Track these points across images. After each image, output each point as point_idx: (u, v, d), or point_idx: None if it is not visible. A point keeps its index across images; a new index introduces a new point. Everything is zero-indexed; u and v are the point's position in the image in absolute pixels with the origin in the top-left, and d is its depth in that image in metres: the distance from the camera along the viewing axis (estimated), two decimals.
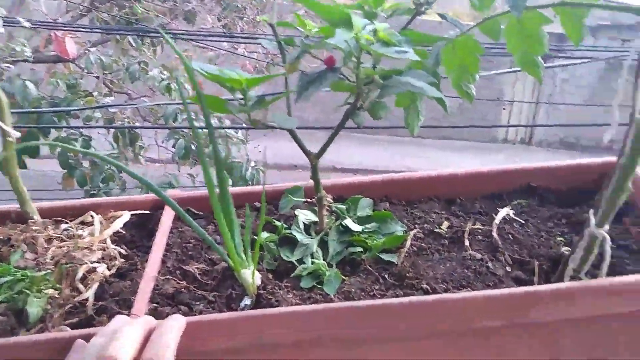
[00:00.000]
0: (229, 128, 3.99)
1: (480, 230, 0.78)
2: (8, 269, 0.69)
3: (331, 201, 0.81)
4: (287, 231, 0.76)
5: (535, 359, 0.62)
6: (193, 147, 3.87)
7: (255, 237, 0.66)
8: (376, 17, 0.57)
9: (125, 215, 0.79)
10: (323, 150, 0.66)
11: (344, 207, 0.80)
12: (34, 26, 3.85)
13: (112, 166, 3.66)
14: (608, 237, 0.62)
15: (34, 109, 3.96)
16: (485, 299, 0.60)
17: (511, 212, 0.81)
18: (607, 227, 0.62)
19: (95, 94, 4.14)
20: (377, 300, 0.63)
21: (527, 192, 0.86)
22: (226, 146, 3.69)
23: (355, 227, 0.76)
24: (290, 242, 0.76)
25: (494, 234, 0.76)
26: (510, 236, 0.77)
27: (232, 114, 0.58)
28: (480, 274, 0.70)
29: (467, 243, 0.75)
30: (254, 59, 4.83)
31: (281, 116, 0.59)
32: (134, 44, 4.60)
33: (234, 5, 5.29)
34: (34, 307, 0.63)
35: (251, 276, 0.66)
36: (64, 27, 4.27)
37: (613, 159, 0.85)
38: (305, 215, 0.78)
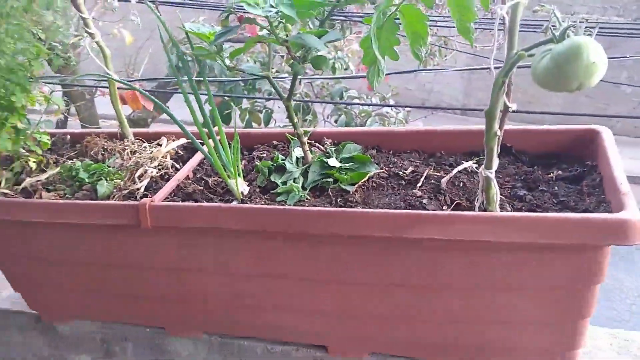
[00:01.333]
0: (389, 106, 4.23)
1: (436, 176, 0.91)
2: (102, 166, 1.04)
3: (327, 143, 1.01)
4: (282, 162, 0.99)
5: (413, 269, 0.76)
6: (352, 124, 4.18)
7: (258, 165, 0.91)
8: None
9: (180, 140, 1.10)
10: (291, 91, 0.88)
11: (333, 148, 1.00)
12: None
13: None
14: (493, 176, 0.73)
15: (228, 79, 4.65)
16: (379, 214, 0.76)
17: (474, 166, 0.92)
18: (493, 169, 0.73)
19: (274, 70, 4.71)
20: (299, 207, 0.83)
21: (501, 151, 0.95)
22: (385, 124, 3.94)
23: (334, 164, 0.96)
24: (282, 170, 0.99)
25: (444, 181, 0.89)
26: (461, 184, 0.89)
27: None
28: (412, 207, 0.84)
29: (418, 186, 0.90)
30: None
31: (250, 66, 0.82)
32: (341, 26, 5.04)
33: None
34: (103, 188, 0.97)
35: (235, 185, 0.91)
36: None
37: (580, 126, 0.91)
38: (299, 152, 1.00)
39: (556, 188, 0.86)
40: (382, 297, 0.82)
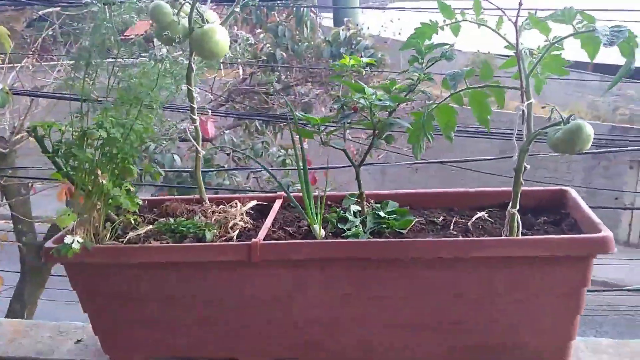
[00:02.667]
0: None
1: (461, 223, 1.27)
2: (195, 222, 1.30)
3: (372, 201, 1.35)
4: (344, 214, 1.31)
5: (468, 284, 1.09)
6: None
7: (327, 216, 1.22)
8: (390, 91, 1.14)
9: (252, 202, 1.38)
10: (362, 160, 1.22)
11: (379, 205, 1.33)
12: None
13: None
14: (517, 213, 1.10)
15: (176, 176, 4.88)
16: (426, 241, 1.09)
17: (485, 215, 1.29)
18: (516, 208, 1.10)
19: (225, 166, 5.03)
20: (373, 240, 1.15)
21: (502, 205, 1.33)
22: None
23: (383, 215, 1.29)
24: (345, 221, 1.30)
25: (469, 224, 1.25)
26: (480, 226, 1.25)
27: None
28: None
29: (451, 228, 1.25)
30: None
31: (338, 141, 1.16)
32: (259, 128, 5.51)
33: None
34: (210, 235, 1.22)
35: (319, 230, 1.21)
36: (208, 112, 5.29)
37: (555, 187, 1.32)
38: (355, 207, 1.32)
39: (546, 228, 1.24)
40: (450, 306, 1.13)
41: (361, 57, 5.84)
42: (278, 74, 6.24)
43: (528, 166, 1.08)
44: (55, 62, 6.79)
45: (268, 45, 6.05)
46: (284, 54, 6.22)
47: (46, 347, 1.50)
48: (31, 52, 6.61)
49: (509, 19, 1.01)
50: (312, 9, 6.55)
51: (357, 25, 6.08)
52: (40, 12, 6.25)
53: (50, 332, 1.57)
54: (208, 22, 1.14)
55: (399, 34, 8.13)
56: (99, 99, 1.26)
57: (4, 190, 5.61)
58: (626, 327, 10.17)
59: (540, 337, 1.15)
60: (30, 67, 6.24)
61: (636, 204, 14.64)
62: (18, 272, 6.13)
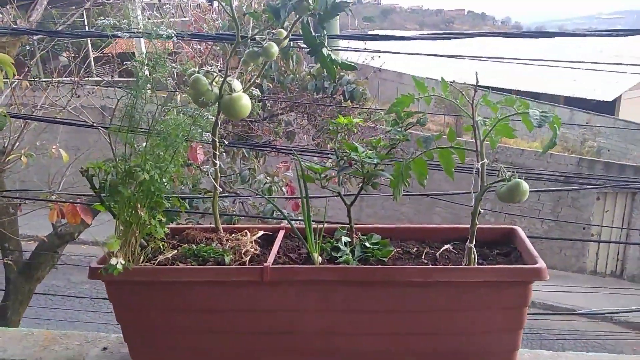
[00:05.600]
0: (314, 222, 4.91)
1: (431, 253, 1.58)
2: (213, 248, 1.57)
3: (359, 234, 1.65)
4: (336, 244, 1.60)
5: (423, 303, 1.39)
6: None
7: (322, 245, 1.51)
8: (376, 148, 1.45)
9: (260, 232, 1.67)
10: (353, 201, 1.52)
11: (365, 237, 1.63)
12: None
13: None
14: (473, 247, 1.41)
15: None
16: (403, 268, 1.39)
17: (450, 247, 1.60)
18: (473, 243, 1.41)
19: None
20: (361, 266, 1.44)
21: (464, 240, 1.64)
22: None
23: (369, 245, 1.58)
24: (337, 250, 1.59)
25: (437, 255, 1.55)
26: (446, 256, 1.56)
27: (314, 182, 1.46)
28: None
29: (422, 257, 1.55)
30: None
31: (334, 186, 1.46)
32: (246, 155, 5.79)
33: (326, 129, 6.45)
34: (228, 259, 1.50)
35: (317, 257, 1.50)
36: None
37: (507, 226, 1.64)
38: (345, 238, 1.62)
39: (498, 259, 1.55)
40: (421, 319, 1.42)
41: (344, 91, 6.18)
42: (263, 103, 6.55)
43: (482, 210, 1.40)
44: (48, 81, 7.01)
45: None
46: (270, 85, 6.56)
47: (76, 354, 1.75)
48: (24, 73, 6.82)
49: (467, 100, 1.34)
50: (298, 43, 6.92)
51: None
52: (35, 38, 6.48)
53: (79, 340, 1.81)
54: (234, 90, 1.44)
55: (381, 66, 8.55)
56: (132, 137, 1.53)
57: None
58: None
59: (492, 345, 1.45)
60: (24, 87, 6.44)
61: (602, 234, 15.25)
62: (2, 289, 6.24)
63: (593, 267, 15.13)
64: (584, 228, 14.56)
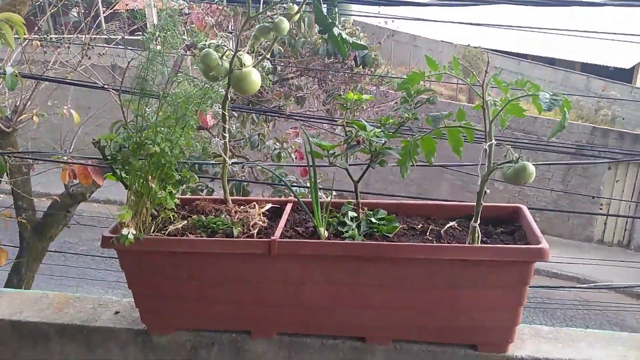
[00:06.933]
0: (320, 189, 4.95)
1: (436, 230, 1.60)
2: (222, 220, 1.60)
3: (365, 209, 1.67)
4: (343, 219, 1.62)
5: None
6: None
7: (329, 220, 1.53)
8: (384, 125, 1.46)
9: (268, 205, 1.70)
10: (360, 177, 1.54)
11: (371, 212, 1.65)
12: None
13: None
14: (477, 226, 1.43)
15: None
16: (406, 245, 1.42)
17: (455, 224, 1.62)
18: (477, 222, 1.43)
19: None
20: (366, 242, 1.47)
21: (469, 217, 1.66)
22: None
23: (374, 220, 1.61)
24: (344, 224, 1.61)
25: (442, 232, 1.58)
26: (451, 233, 1.58)
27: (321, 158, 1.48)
28: None
29: (427, 234, 1.57)
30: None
31: (341, 162, 1.48)
32: (255, 119, 5.78)
33: (336, 94, 6.41)
34: (236, 232, 1.54)
35: (323, 232, 1.53)
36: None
37: (512, 204, 1.65)
38: (352, 213, 1.64)
39: (502, 237, 1.57)
40: (424, 294, 1.46)
41: (355, 56, 6.11)
42: (274, 67, 6.50)
43: (488, 191, 1.41)
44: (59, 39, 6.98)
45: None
46: (281, 48, 6.48)
47: (89, 316, 1.81)
48: (34, 32, 6.79)
49: (478, 80, 1.33)
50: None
51: (352, 24, 6.34)
52: None
53: (92, 304, 1.88)
54: (244, 65, 1.44)
55: (395, 30, 8.41)
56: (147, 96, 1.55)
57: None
58: (595, 322, 10.74)
59: (492, 321, 1.49)
60: (35, 46, 6.41)
61: (612, 204, 15.19)
62: (16, 246, 6.38)
63: (600, 237, 15.14)
64: (593, 197, 14.50)
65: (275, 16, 1.36)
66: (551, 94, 1.24)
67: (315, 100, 6.74)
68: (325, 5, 1.22)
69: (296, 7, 1.37)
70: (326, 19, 1.23)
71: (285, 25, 1.35)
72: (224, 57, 1.44)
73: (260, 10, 1.39)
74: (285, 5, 1.37)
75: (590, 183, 14.39)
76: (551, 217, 13.80)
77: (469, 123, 1.46)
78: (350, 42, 1.31)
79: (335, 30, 1.25)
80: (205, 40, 1.46)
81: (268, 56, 1.49)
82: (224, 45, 1.43)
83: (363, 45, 1.38)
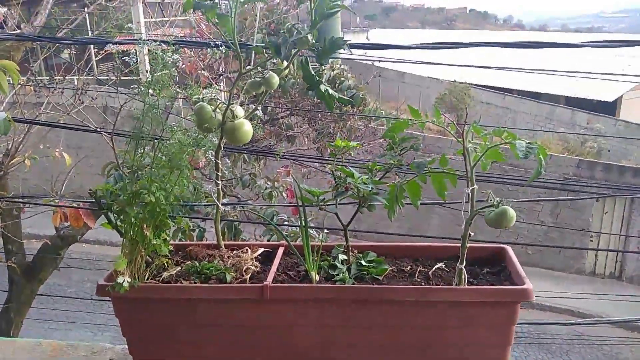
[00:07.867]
0: (311, 227, 4.98)
1: (424, 271, 1.64)
2: (215, 266, 1.64)
3: (355, 252, 1.71)
4: (333, 262, 1.67)
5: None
6: None
7: (320, 263, 1.58)
8: (372, 171, 1.52)
9: (260, 249, 1.74)
10: (349, 222, 1.59)
11: (361, 255, 1.70)
12: None
13: None
14: (463, 268, 1.48)
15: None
16: (396, 288, 1.46)
17: (443, 265, 1.67)
18: (463, 264, 1.48)
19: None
20: (357, 285, 1.51)
21: (456, 258, 1.70)
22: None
23: (364, 263, 1.65)
24: (334, 267, 1.66)
25: (430, 273, 1.62)
26: (438, 274, 1.63)
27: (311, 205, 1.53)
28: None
29: (416, 276, 1.62)
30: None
31: (330, 207, 1.53)
32: (246, 159, 5.85)
33: (326, 132, 6.53)
34: (229, 277, 1.57)
35: (314, 276, 1.57)
36: None
37: (496, 245, 1.71)
38: (342, 256, 1.68)
39: (488, 277, 1.62)
40: (415, 334, 1.49)
41: (344, 95, 6.25)
42: (265, 107, 6.62)
43: (472, 233, 1.47)
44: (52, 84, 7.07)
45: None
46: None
47: None
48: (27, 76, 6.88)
49: (458, 128, 1.40)
50: None
51: (340, 66, 6.50)
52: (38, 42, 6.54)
53: (85, 352, 1.89)
54: (237, 117, 1.51)
55: (381, 72, 8.61)
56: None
57: None
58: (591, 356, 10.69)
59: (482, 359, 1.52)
60: (28, 91, 6.50)
61: (602, 236, 15.29)
62: (5, 290, 6.32)
63: (592, 268, 15.18)
64: (583, 229, 14.60)
65: (266, 71, 1.44)
66: (527, 142, 1.32)
67: (305, 139, 6.85)
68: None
69: (285, 63, 1.45)
70: (313, 77, 1.31)
71: (276, 80, 1.43)
72: (217, 110, 1.50)
73: (251, 68, 1.47)
74: (274, 61, 1.45)
75: (579, 215, 14.52)
76: (542, 250, 13.86)
77: (451, 169, 1.52)
78: (337, 97, 1.39)
79: (322, 87, 1.33)
80: (199, 93, 1.53)
81: (259, 108, 1.56)
82: (217, 98, 1.50)
83: (349, 100, 1.45)
